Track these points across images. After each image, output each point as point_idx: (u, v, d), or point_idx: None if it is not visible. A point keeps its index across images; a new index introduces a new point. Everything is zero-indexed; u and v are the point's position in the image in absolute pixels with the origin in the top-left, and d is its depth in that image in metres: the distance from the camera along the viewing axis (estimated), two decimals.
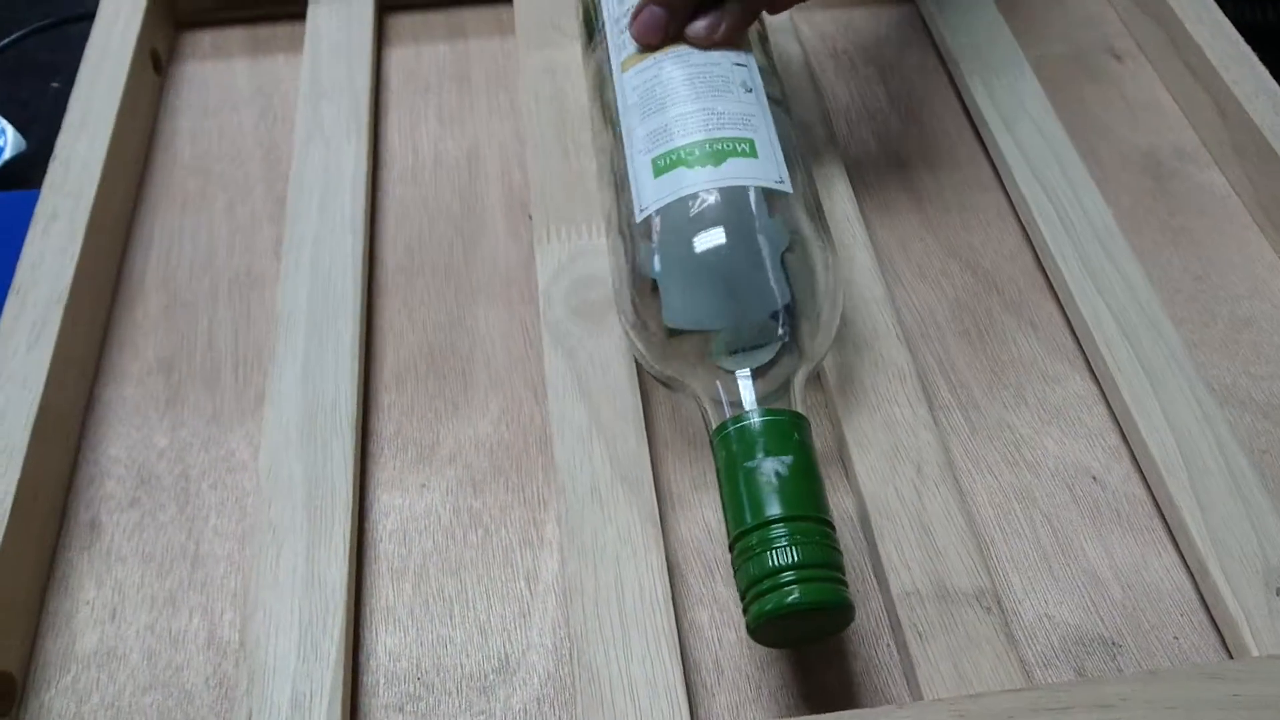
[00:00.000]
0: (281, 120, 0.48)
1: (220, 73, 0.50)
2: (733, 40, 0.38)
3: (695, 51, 0.38)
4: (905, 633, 0.31)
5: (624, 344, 0.38)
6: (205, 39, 0.52)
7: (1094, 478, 0.36)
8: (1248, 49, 0.46)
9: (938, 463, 0.35)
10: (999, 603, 0.32)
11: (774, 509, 0.29)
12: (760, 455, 0.30)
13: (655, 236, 0.34)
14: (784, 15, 0.50)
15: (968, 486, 0.36)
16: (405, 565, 0.35)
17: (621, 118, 0.38)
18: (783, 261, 0.34)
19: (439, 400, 0.39)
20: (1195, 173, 0.45)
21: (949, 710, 0.28)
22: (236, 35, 0.52)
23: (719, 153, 0.35)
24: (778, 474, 0.29)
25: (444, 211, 0.45)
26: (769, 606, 0.28)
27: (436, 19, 0.53)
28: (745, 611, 0.28)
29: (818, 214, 0.36)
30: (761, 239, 0.34)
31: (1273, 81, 0.44)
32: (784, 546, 0.28)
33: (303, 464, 0.35)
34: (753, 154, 0.35)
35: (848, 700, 0.31)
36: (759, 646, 0.32)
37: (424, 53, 0.51)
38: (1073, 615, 0.33)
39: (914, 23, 0.52)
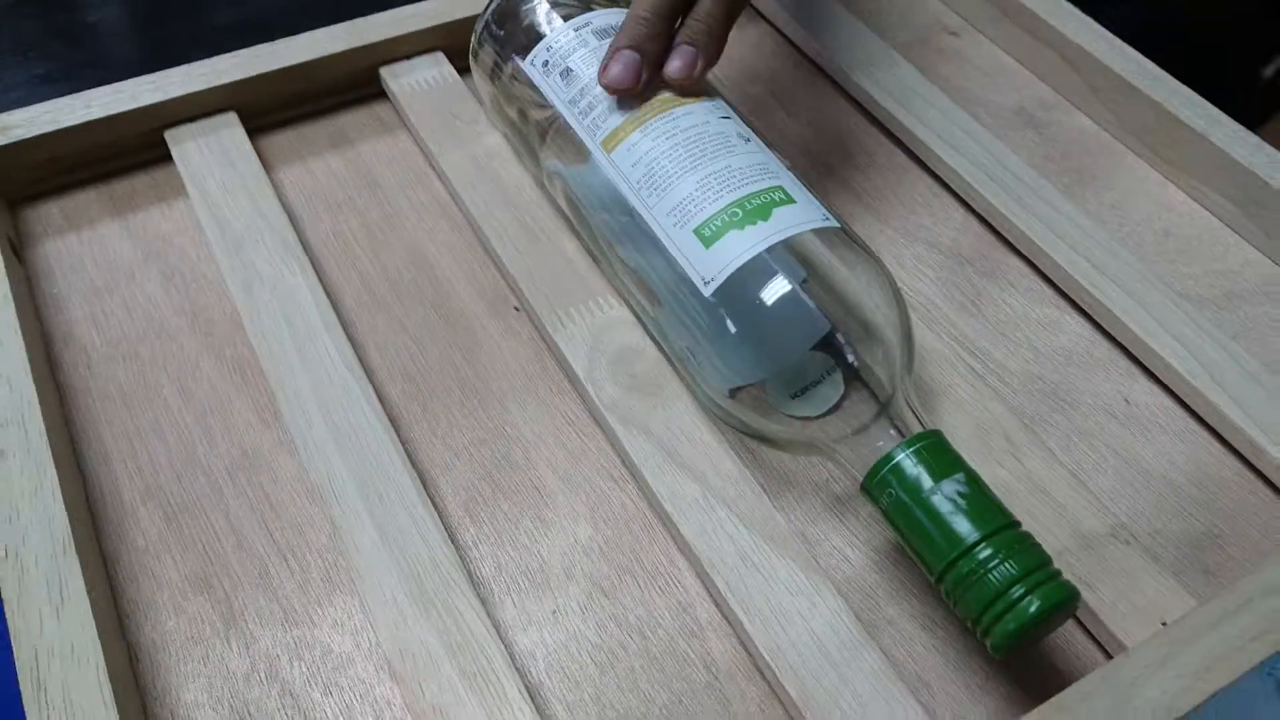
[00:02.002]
0: (191, 279, 0.43)
1: (90, 243, 0.44)
2: (711, 67, 0.38)
3: (675, 115, 0.37)
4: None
5: (693, 406, 0.37)
6: (53, 209, 0.45)
7: (1126, 400, 0.40)
8: (1069, 4, 0.52)
9: (1017, 427, 0.37)
10: (1127, 529, 0.35)
11: (974, 531, 0.29)
12: (932, 482, 0.30)
13: (728, 304, 0.34)
14: None
15: (1045, 439, 0.38)
16: (578, 697, 0.32)
17: (629, 197, 0.36)
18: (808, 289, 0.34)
19: (524, 520, 0.36)
20: (1063, 118, 0.51)
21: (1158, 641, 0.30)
22: (89, 197, 0.46)
23: (762, 207, 0.34)
24: (959, 494, 0.30)
25: (425, 328, 0.42)
26: (1012, 626, 0.28)
27: (313, 131, 0.49)
28: (986, 636, 0.29)
29: (849, 233, 0.37)
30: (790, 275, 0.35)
31: (1098, 26, 0.51)
32: (999, 564, 0.29)
33: (436, 633, 0.32)
34: (790, 200, 0.35)
35: (1051, 682, 0.33)
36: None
37: (315, 168, 0.47)
38: (1174, 523, 0.37)
39: (773, 37, 0.55)
